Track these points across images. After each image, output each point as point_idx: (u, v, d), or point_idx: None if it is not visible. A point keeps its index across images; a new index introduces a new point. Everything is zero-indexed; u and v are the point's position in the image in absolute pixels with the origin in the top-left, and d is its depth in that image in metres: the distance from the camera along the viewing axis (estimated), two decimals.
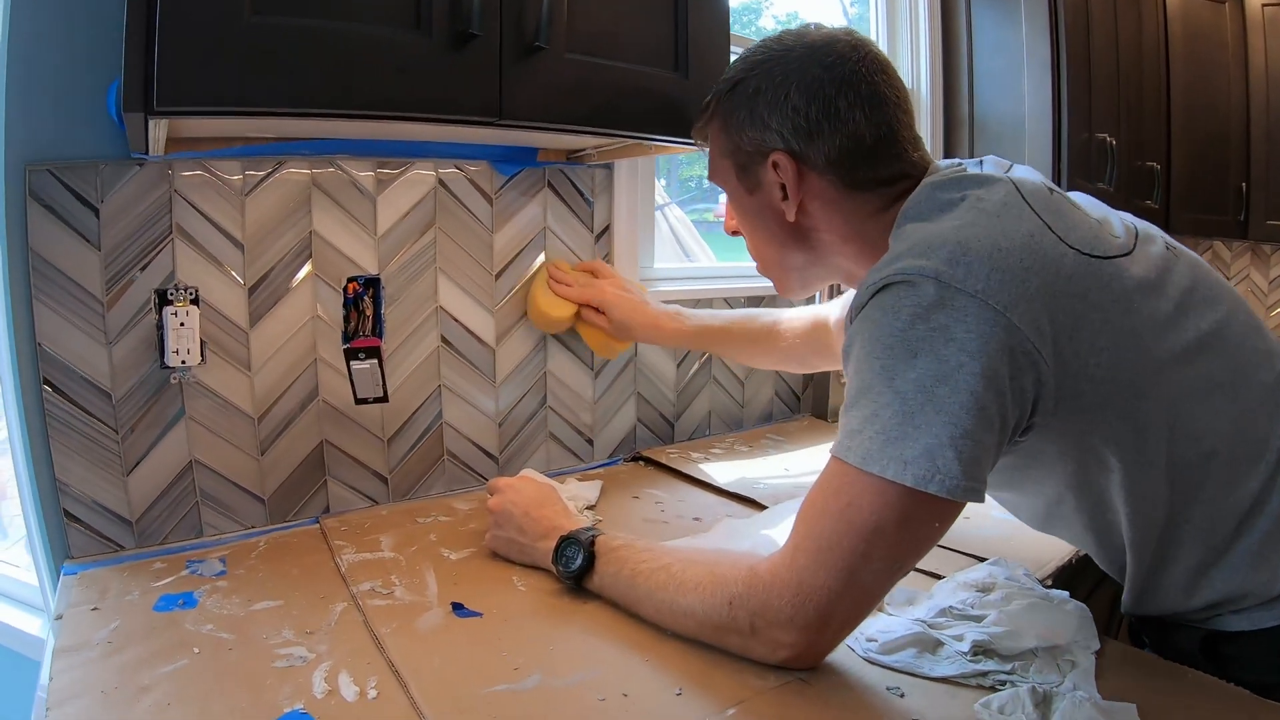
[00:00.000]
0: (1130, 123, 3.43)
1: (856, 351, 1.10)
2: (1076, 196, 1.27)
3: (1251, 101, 4.30)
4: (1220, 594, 1.19)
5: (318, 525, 1.68)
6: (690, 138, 1.53)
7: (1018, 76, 3.22)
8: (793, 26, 1.37)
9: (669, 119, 1.60)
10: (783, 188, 1.30)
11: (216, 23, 1.12)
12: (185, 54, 1.10)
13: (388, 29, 1.26)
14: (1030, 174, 1.24)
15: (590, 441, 2.19)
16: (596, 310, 1.96)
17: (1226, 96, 4.18)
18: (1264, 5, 4.34)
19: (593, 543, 1.35)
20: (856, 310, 1.13)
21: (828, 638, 1.12)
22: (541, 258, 2.02)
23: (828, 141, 1.25)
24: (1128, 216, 1.28)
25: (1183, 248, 1.27)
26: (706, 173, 1.46)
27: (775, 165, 1.29)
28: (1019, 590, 1.34)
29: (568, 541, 1.38)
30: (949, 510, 1.06)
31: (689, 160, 3.62)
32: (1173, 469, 1.14)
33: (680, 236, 3.53)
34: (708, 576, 1.19)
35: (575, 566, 1.35)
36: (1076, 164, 3.18)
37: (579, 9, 1.47)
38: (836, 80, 1.23)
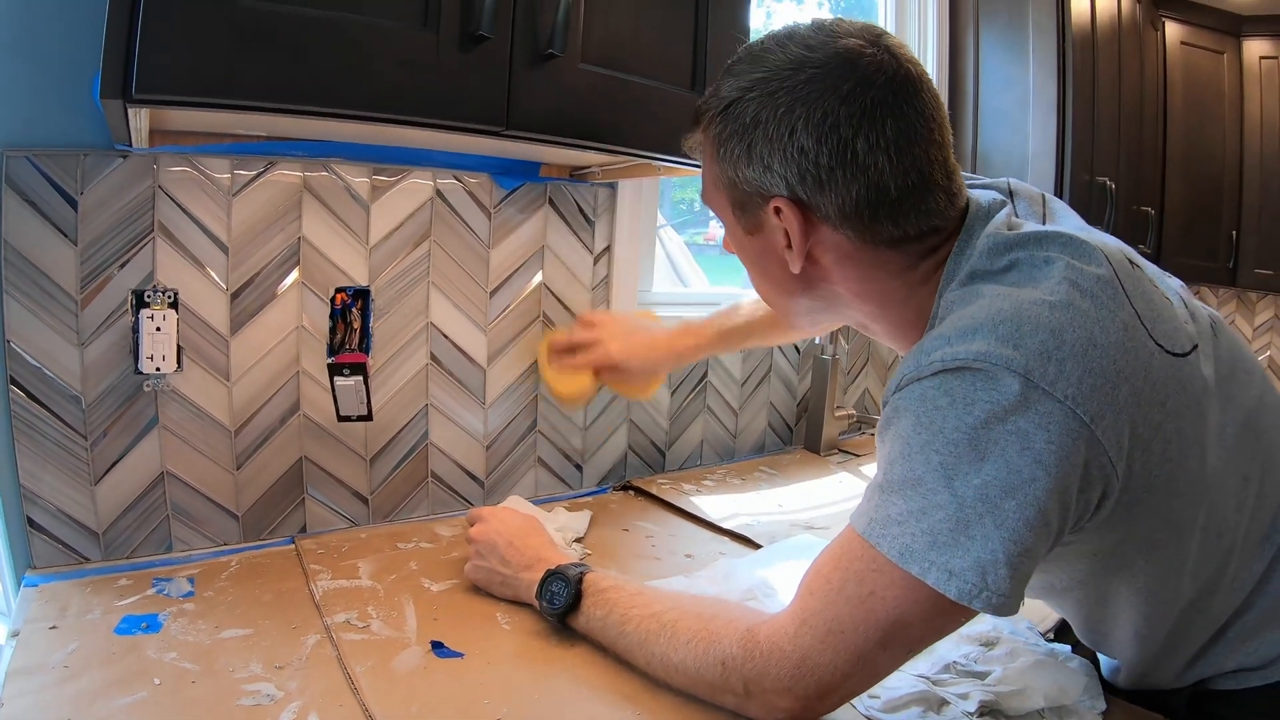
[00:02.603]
0: (1128, 167, 3.49)
1: (906, 432, 0.97)
2: (1131, 255, 1.12)
3: (1246, 151, 4.40)
4: (1214, 669, 1.17)
5: (293, 545, 1.63)
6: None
7: (1024, 115, 3.25)
8: (803, 21, 1.11)
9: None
10: (787, 234, 1.10)
11: (206, 5, 1.04)
12: (170, 38, 1.02)
13: (393, 24, 1.19)
14: (1103, 236, 1.11)
15: (579, 468, 2.16)
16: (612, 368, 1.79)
17: (1222, 145, 4.29)
18: (1261, 58, 4.46)
19: (580, 580, 1.29)
20: (910, 381, 0.99)
21: (827, 707, 1.04)
22: (539, 277, 1.98)
23: (842, 192, 1.03)
24: (1173, 281, 1.19)
25: (1211, 314, 1.16)
26: (700, 193, 1.26)
27: (778, 211, 1.08)
28: (1024, 646, 1.32)
29: (554, 576, 1.31)
30: (979, 615, 0.96)
31: (681, 182, 3.60)
32: (1197, 565, 1.07)
33: (675, 260, 3.50)
34: (702, 632, 1.12)
35: (560, 604, 1.28)
36: (1077, 206, 3.18)
37: (596, 17, 1.42)
38: (855, 115, 1.00)
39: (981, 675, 1.24)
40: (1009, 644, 1.32)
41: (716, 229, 4.20)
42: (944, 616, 0.96)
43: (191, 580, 1.44)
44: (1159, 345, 0.98)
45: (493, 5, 1.23)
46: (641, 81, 1.50)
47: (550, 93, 1.37)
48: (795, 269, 1.12)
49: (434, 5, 1.22)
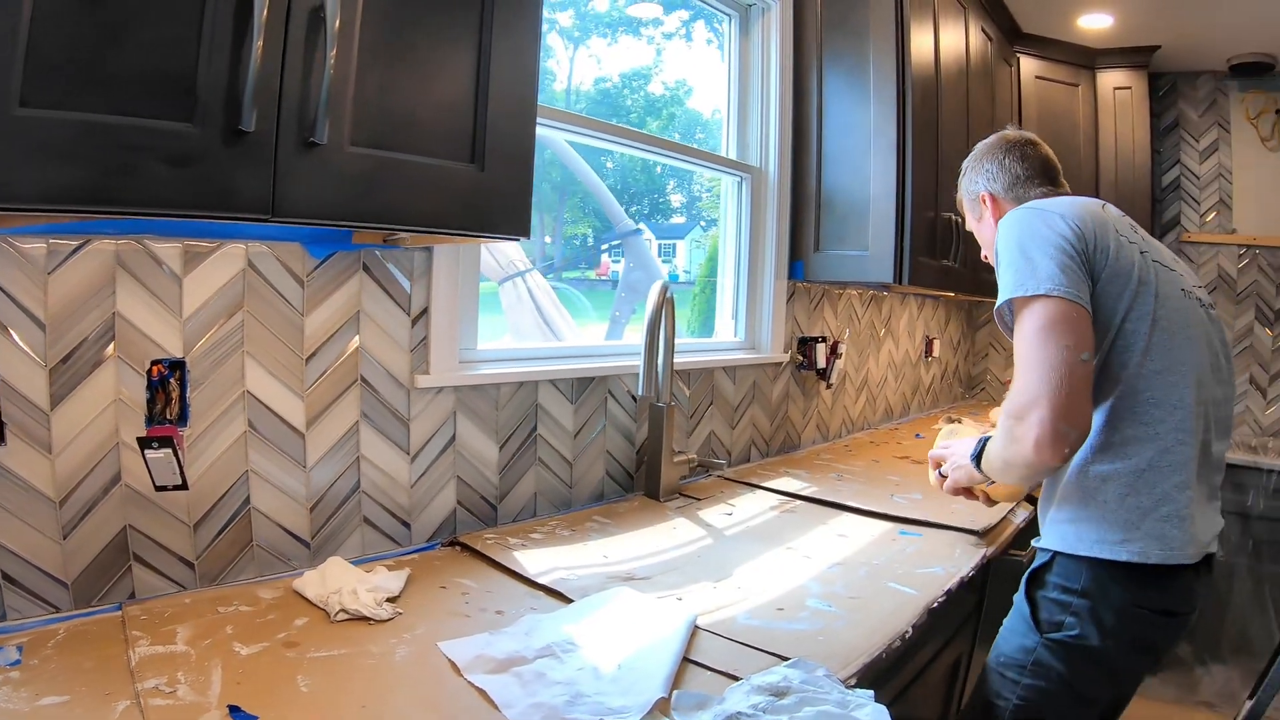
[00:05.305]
0: None
1: (999, 245, 1.90)
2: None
3: (1101, 180, 4.54)
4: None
5: (120, 612, 1.65)
6: (486, 231, 1.66)
7: (865, 158, 3.32)
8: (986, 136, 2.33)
9: (462, 213, 1.62)
10: (989, 211, 2.22)
11: None
12: None
13: (161, 123, 1.23)
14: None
15: (408, 525, 2.19)
16: None
17: (1077, 175, 4.42)
18: (1115, 89, 4.59)
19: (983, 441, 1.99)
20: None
21: (1048, 405, 1.66)
22: (356, 341, 2.03)
23: (1003, 180, 2.20)
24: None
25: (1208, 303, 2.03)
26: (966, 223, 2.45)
27: (983, 201, 2.24)
28: (815, 694, 1.36)
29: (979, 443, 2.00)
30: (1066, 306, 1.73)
31: (573, 218, 3.70)
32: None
33: (540, 304, 3.53)
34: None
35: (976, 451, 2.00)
36: (920, 240, 3.32)
37: (369, 101, 1.48)
38: (1003, 150, 2.22)
39: None
40: (799, 694, 1.36)
41: (608, 263, 4.26)
42: (1055, 309, 1.72)
43: (20, 648, 1.45)
44: (1117, 231, 1.87)
45: (250, 100, 1.28)
46: (418, 160, 1.55)
47: (317, 179, 1.42)
48: (994, 225, 2.10)
49: (200, 103, 1.26)
